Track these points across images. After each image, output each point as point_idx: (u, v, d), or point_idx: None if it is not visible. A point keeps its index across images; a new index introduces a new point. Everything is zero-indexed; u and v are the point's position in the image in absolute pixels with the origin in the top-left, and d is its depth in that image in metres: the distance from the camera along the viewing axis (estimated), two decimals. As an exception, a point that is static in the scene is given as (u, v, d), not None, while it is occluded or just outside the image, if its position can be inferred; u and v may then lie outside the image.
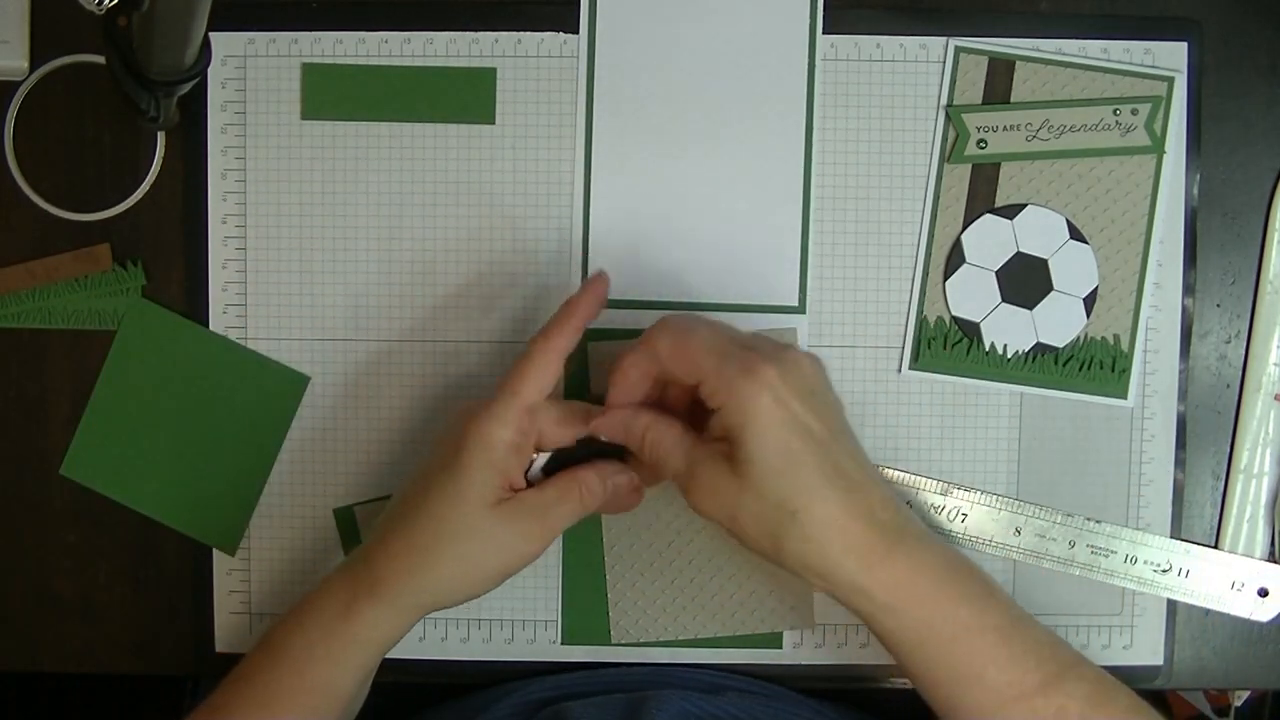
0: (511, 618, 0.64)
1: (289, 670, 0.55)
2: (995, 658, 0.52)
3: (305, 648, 0.55)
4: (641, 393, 0.56)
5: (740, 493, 0.52)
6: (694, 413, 0.55)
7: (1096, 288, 0.63)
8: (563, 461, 0.57)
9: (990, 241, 0.63)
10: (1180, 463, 0.63)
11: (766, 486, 0.51)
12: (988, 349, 0.63)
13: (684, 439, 0.54)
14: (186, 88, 0.55)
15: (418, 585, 0.54)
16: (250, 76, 0.63)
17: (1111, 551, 0.63)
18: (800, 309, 0.63)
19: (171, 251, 0.63)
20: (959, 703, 0.53)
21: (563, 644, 0.64)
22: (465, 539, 0.54)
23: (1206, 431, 0.64)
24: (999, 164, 0.63)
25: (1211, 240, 0.64)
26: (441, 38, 0.63)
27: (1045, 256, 0.63)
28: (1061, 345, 0.63)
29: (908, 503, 0.62)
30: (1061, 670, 0.53)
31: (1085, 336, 0.63)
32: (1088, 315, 0.63)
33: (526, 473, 0.56)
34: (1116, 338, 0.63)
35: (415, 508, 0.55)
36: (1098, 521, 0.63)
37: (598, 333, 0.61)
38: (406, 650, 0.63)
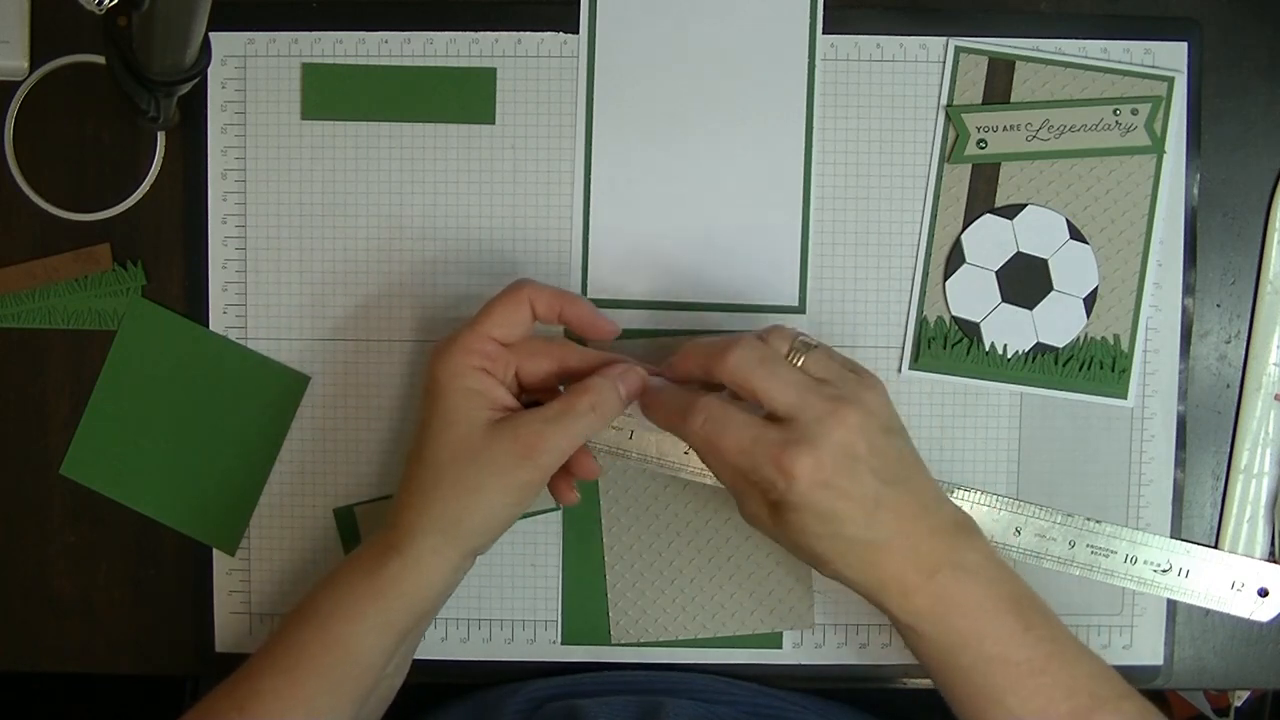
0: (511, 618, 0.64)
1: (313, 628, 0.55)
2: (1018, 688, 0.53)
3: (330, 606, 0.55)
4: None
5: (779, 533, 0.54)
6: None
7: (1096, 288, 0.63)
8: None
9: (990, 241, 0.63)
10: (1180, 463, 0.63)
11: (803, 545, 0.53)
12: (988, 349, 0.63)
13: (734, 459, 0.53)
14: (186, 88, 0.55)
15: (427, 525, 0.54)
16: (250, 76, 0.63)
17: (1111, 551, 0.63)
18: (800, 309, 0.63)
19: (171, 251, 0.63)
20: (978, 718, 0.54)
21: (563, 644, 0.64)
22: (462, 465, 0.54)
23: (1206, 431, 0.64)
24: (999, 164, 0.63)
25: (1211, 240, 0.64)
26: (441, 38, 0.63)
27: (1045, 256, 0.63)
28: (1061, 345, 0.63)
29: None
30: (1095, 704, 0.53)
31: (1085, 336, 0.63)
32: (1088, 315, 0.63)
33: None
34: (1116, 338, 0.63)
35: (415, 455, 0.56)
36: (1098, 521, 0.63)
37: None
38: (406, 650, 0.63)
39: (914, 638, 0.54)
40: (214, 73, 0.63)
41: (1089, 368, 0.63)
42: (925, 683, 0.64)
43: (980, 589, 0.53)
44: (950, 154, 0.63)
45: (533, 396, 0.58)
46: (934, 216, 0.63)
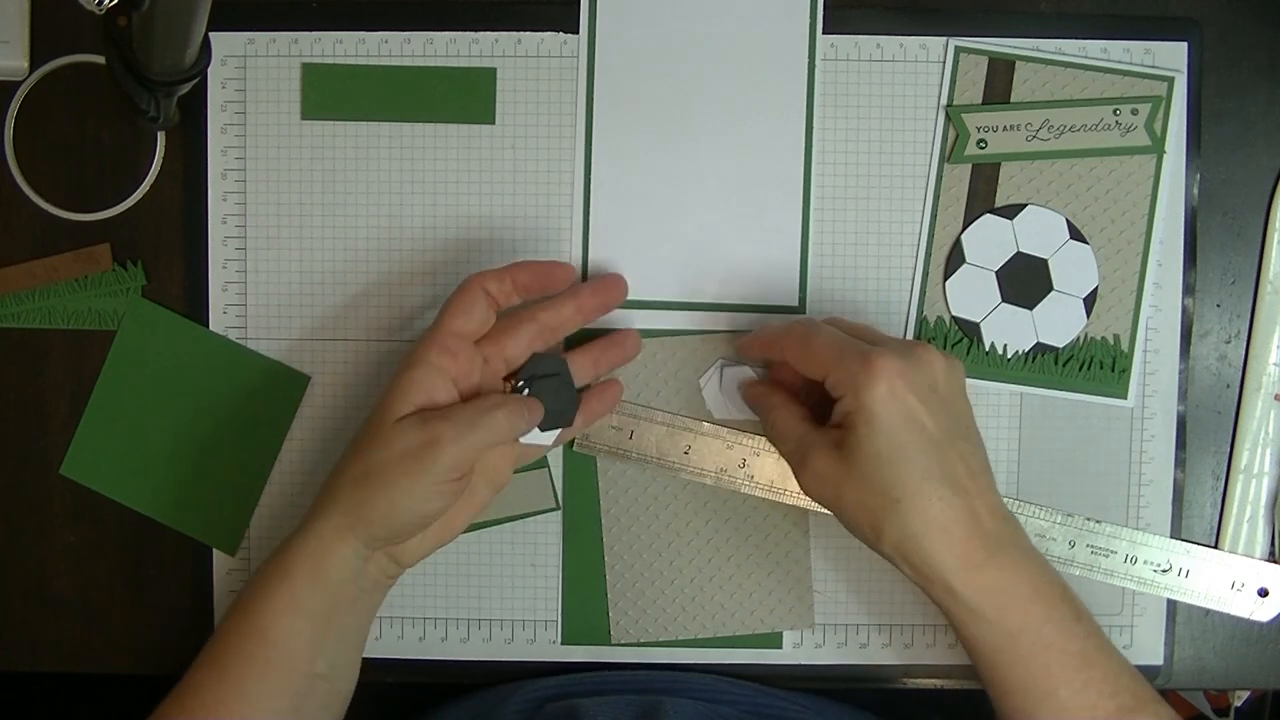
0: (511, 618, 0.64)
1: (235, 616, 0.55)
2: (1071, 680, 0.53)
3: (248, 593, 0.55)
4: (762, 361, 0.60)
5: (845, 478, 0.53)
6: (824, 405, 0.56)
7: (1096, 288, 0.63)
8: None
9: (990, 241, 0.63)
10: (1180, 463, 0.63)
11: (872, 473, 0.52)
12: (988, 349, 0.63)
13: (801, 424, 0.56)
14: (186, 88, 0.56)
15: (330, 506, 0.54)
16: (250, 76, 0.63)
17: (1111, 551, 0.63)
18: (800, 309, 0.63)
19: (171, 251, 0.63)
20: (1029, 715, 0.53)
21: (563, 644, 0.64)
22: (374, 450, 0.54)
23: (1206, 431, 0.64)
24: (999, 164, 0.63)
25: (1211, 240, 0.64)
26: (441, 38, 0.63)
27: (1045, 256, 0.63)
28: (1061, 345, 0.63)
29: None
30: (1137, 705, 0.53)
31: (1085, 336, 0.63)
32: (1088, 315, 0.63)
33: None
34: (1116, 338, 0.63)
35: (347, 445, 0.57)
36: (1098, 521, 0.63)
37: (604, 333, 0.61)
38: (406, 650, 0.63)
39: (972, 620, 0.53)
40: (214, 73, 0.63)
41: (1089, 368, 0.63)
42: (926, 683, 0.64)
43: (1039, 573, 0.54)
44: (950, 154, 0.63)
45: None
46: (934, 216, 0.63)
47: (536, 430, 0.57)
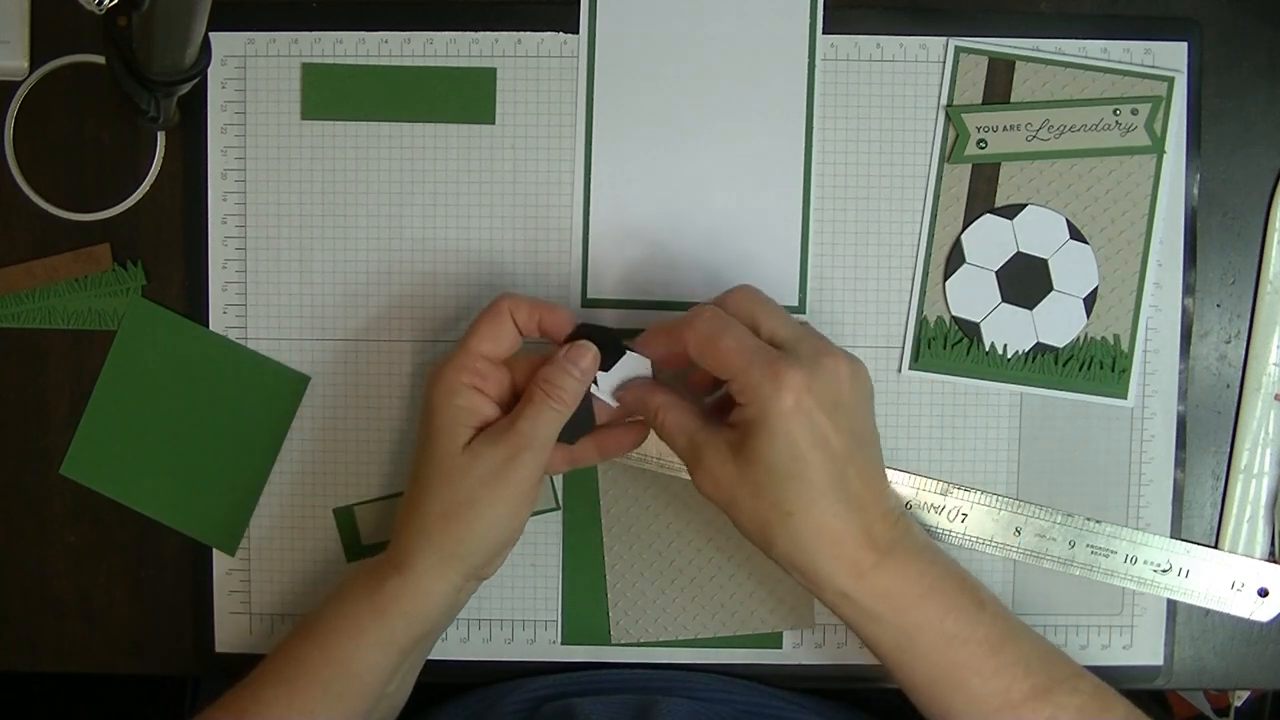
0: (511, 618, 0.64)
1: (314, 645, 0.55)
2: (980, 668, 0.53)
3: (332, 623, 0.56)
4: (664, 357, 0.57)
5: (740, 483, 0.52)
6: (723, 400, 0.56)
7: (1096, 288, 0.63)
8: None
9: (990, 241, 0.63)
10: (1180, 463, 0.63)
11: (767, 484, 0.52)
12: (988, 349, 0.63)
13: (691, 421, 0.55)
14: (186, 88, 0.56)
15: (424, 545, 0.55)
16: (250, 76, 0.63)
17: (1111, 551, 0.63)
18: (800, 309, 0.63)
19: (171, 251, 0.63)
20: (944, 707, 0.53)
21: (563, 644, 0.64)
22: (453, 482, 0.54)
23: (1206, 431, 0.64)
24: (999, 164, 0.63)
25: (1211, 240, 0.64)
26: (441, 38, 0.63)
27: (1045, 256, 0.63)
28: (1061, 345, 0.63)
29: (908, 504, 0.62)
30: (1053, 683, 0.53)
31: (1085, 336, 0.63)
32: (1088, 315, 0.63)
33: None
34: (1116, 338, 0.63)
35: (412, 475, 0.57)
36: (1098, 521, 0.63)
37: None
38: (406, 650, 0.63)
39: (869, 624, 0.53)
40: (214, 73, 0.63)
41: (1089, 368, 0.63)
42: (925, 683, 0.64)
43: (931, 568, 0.54)
44: (950, 154, 0.63)
45: None
46: (934, 216, 0.63)
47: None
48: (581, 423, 0.57)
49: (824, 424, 0.51)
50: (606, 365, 0.57)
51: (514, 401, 0.57)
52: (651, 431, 0.61)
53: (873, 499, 0.53)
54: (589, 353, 0.56)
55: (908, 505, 0.63)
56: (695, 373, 0.58)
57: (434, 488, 0.55)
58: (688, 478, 0.61)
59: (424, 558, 0.55)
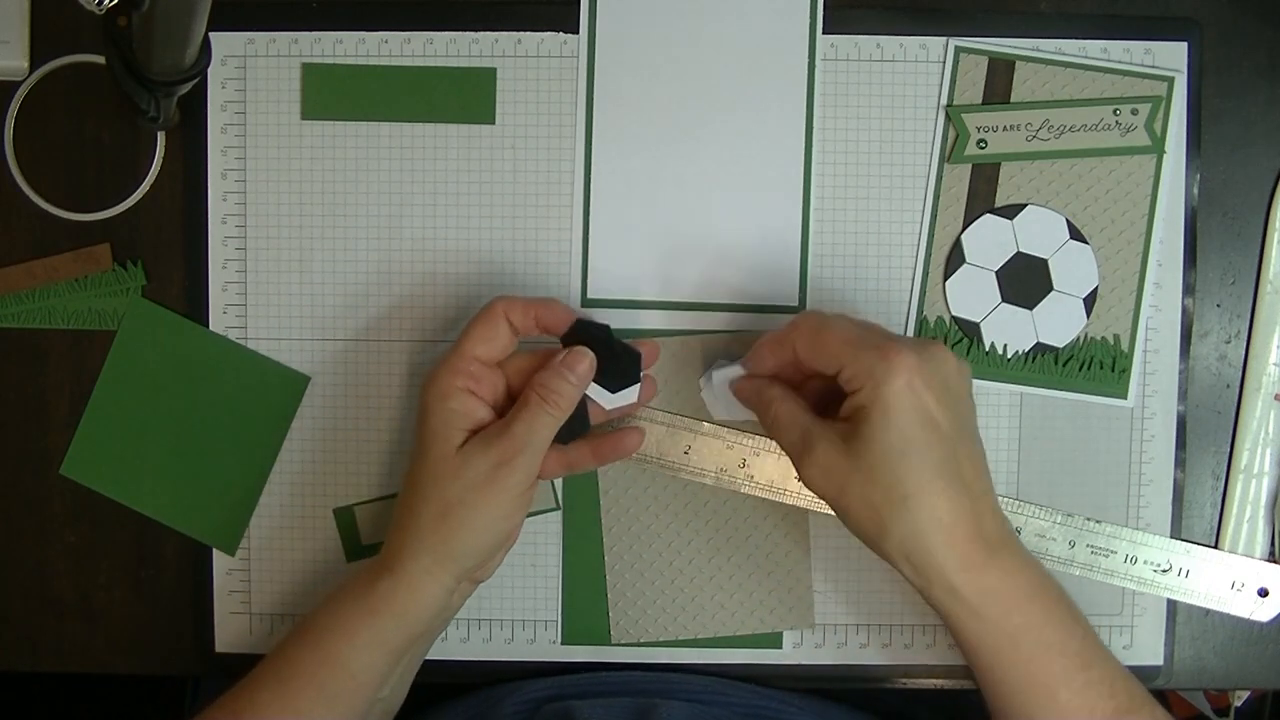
0: (511, 618, 0.64)
1: (309, 646, 0.56)
2: (1071, 681, 0.53)
3: (327, 624, 0.56)
4: (773, 371, 0.58)
5: (852, 472, 0.52)
6: (828, 404, 0.56)
7: (1096, 288, 0.63)
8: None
9: (990, 241, 0.63)
10: (1180, 463, 0.63)
11: (881, 468, 0.52)
12: (988, 349, 0.63)
13: (804, 414, 0.55)
14: (186, 88, 0.56)
15: (417, 547, 0.55)
16: (250, 76, 0.63)
17: (1111, 551, 0.63)
18: (800, 308, 0.63)
19: (171, 251, 0.63)
20: (1028, 716, 0.53)
21: (563, 644, 0.64)
22: (445, 484, 0.55)
23: (1206, 431, 0.64)
24: (999, 164, 0.63)
25: (1211, 240, 0.64)
26: (441, 38, 0.63)
27: (1045, 256, 0.63)
28: (1061, 345, 0.63)
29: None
30: (1134, 707, 0.53)
31: (1085, 336, 0.63)
32: (1088, 315, 0.63)
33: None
34: (1116, 338, 0.63)
35: (406, 477, 0.57)
36: (1098, 521, 0.63)
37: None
38: (406, 650, 0.63)
39: (972, 622, 0.53)
40: (214, 73, 0.63)
41: (1089, 368, 0.63)
42: (925, 683, 0.64)
43: (1036, 573, 0.54)
44: (950, 154, 0.63)
45: None
46: (934, 216, 0.63)
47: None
48: (576, 426, 0.57)
49: (934, 405, 0.52)
50: (603, 364, 0.57)
51: (508, 404, 0.57)
52: (648, 434, 0.61)
53: (982, 490, 0.53)
54: (585, 359, 0.56)
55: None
56: (806, 388, 0.58)
57: (426, 490, 0.55)
58: (688, 478, 0.61)
59: (416, 559, 0.55)
